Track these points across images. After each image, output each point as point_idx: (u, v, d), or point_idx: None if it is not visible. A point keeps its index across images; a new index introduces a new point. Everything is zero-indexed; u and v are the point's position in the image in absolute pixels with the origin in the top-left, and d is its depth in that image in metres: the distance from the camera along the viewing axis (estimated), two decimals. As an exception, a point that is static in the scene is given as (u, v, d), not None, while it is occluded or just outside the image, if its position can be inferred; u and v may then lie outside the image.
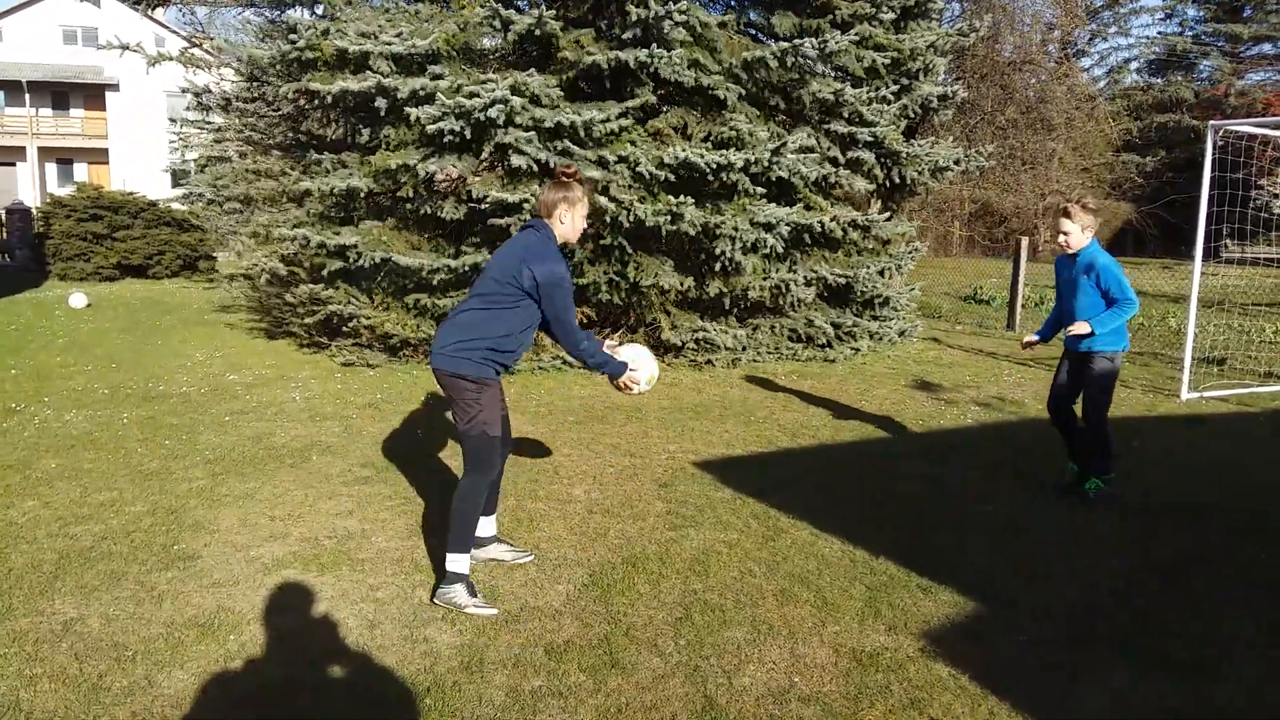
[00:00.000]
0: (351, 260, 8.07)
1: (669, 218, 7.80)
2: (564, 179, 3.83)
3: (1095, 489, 5.24)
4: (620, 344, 4.40)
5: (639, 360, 4.15)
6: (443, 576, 3.79)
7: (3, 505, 4.74)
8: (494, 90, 7.26)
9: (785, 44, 7.98)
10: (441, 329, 3.84)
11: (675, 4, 7.56)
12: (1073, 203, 5.12)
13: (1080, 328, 5.00)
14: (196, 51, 12.24)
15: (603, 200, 7.65)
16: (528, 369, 8.40)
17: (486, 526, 4.17)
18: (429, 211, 8.18)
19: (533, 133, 7.54)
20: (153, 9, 9.28)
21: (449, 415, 6.79)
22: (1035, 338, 5.54)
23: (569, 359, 8.41)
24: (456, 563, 3.75)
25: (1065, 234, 5.11)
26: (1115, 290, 4.98)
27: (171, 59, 10.67)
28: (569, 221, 3.81)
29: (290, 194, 8.97)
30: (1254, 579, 4.15)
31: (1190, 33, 38.00)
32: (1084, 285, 5.09)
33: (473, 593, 3.74)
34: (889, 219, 9.66)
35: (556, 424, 6.69)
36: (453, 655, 3.31)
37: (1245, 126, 8.46)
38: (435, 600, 3.75)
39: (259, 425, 6.49)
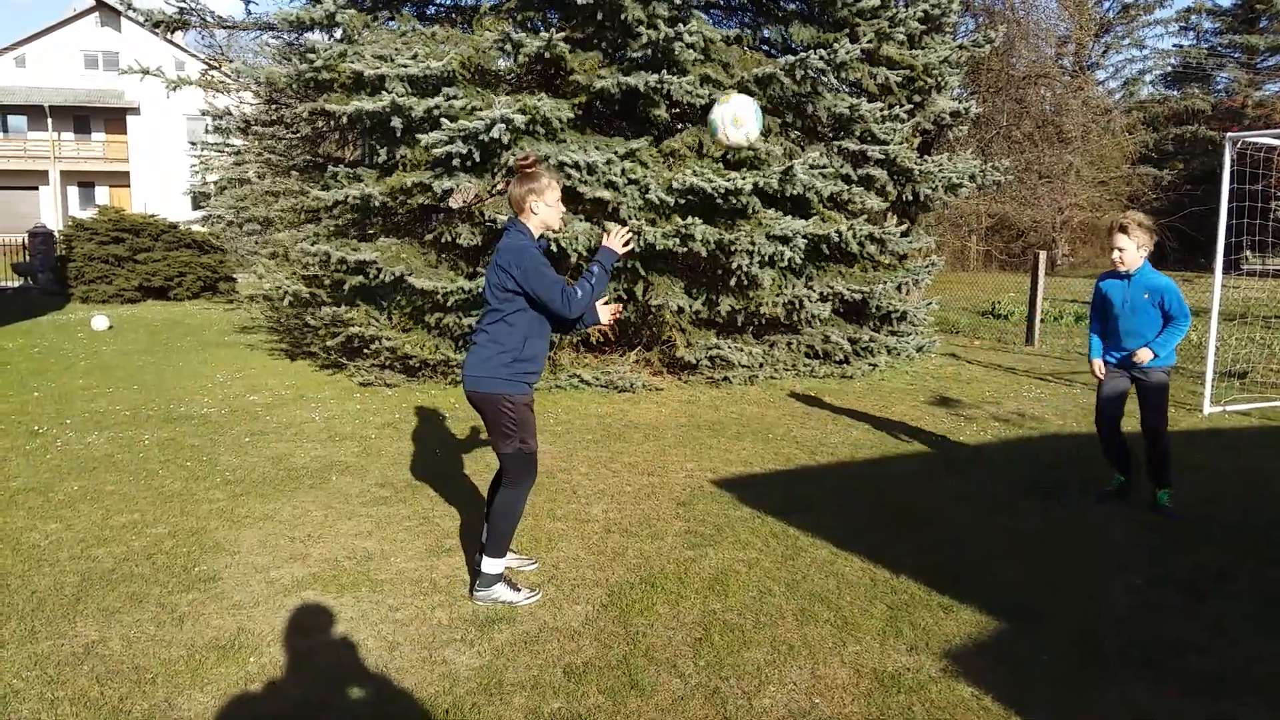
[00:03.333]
0: (371, 277, 8.13)
1: (678, 239, 7.81)
2: (527, 171, 3.90)
3: (1167, 498, 5.23)
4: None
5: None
6: (479, 578, 3.94)
7: (26, 528, 4.77)
8: (495, 110, 7.32)
9: (794, 58, 8.00)
10: (470, 353, 3.95)
11: (685, 25, 7.59)
12: (1130, 220, 5.01)
13: (1145, 355, 4.98)
14: (216, 74, 12.38)
15: (613, 226, 7.67)
16: (545, 387, 8.41)
17: None
18: (449, 239, 8.25)
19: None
20: (172, 33, 9.42)
21: (468, 435, 6.82)
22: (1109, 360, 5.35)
23: (585, 377, 8.44)
24: (493, 565, 3.92)
25: (1120, 250, 5.01)
26: (1176, 309, 4.97)
27: (191, 83, 10.80)
28: (542, 210, 3.90)
29: (306, 210, 9.04)
30: (1276, 595, 4.10)
31: (1206, 44, 37.85)
32: (1143, 305, 5.03)
33: (514, 587, 3.95)
34: (905, 233, 9.64)
35: (574, 443, 6.69)
36: (472, 677, 3.31)
37: (1264, 138, 8.39)
38: (476, 600, 3.91)
39: (279, 446, 6.52)
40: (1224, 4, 37.64)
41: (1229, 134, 8.12)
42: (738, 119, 4.94)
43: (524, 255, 3.77)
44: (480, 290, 7.87)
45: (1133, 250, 4.99)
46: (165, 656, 3.42)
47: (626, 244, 4.09)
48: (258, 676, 3.30)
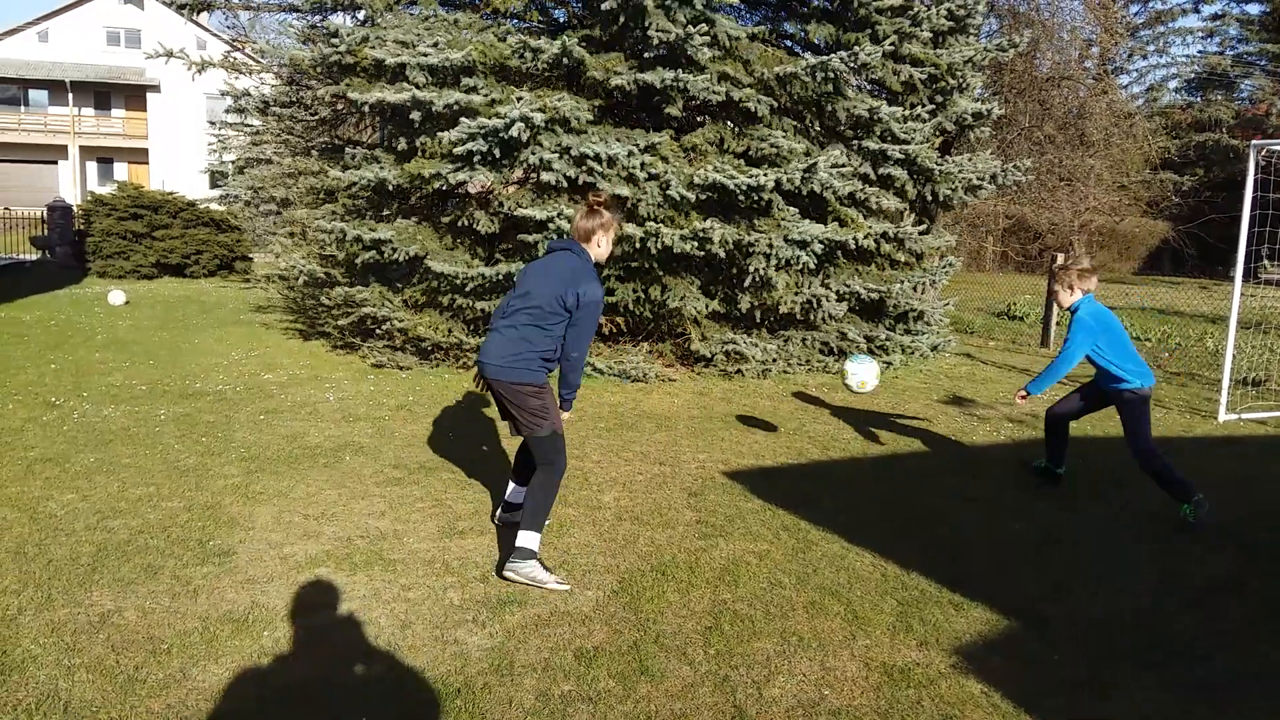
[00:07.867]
0: (386, 255, 8.15)
1: (696, 243, 7.79)
2: (596, 208, 4.19)
3: (1190, 513, 5.05)
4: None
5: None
6: (515, 551, 3.99)
7: (42, 498, 4.82)
8: (515, 109, 7.31)
9: (815, 59, 7.97)
10: (493, 341, 4.18)
11: (696, 26, 7.55)
12: (1058, 270, 5.34)
13: (1018, 400, 5.57)
14: (238, 56, 12.41)
15: (630, 227, 7.65)
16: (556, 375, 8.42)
17: (519, 495, 4.49)
18: (465, 224, 8.26)
19: (561, 153, 7.59)
20: (196, 14, 9.42)
21: (481, 418, 6.84)
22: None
23: (598, 366, 8.45)
24: (530, 539, 3.99)
25: (1054, 292, 5.43)
26: (1066, 343, 5.19)
27: (214, 65, 10.82)
28: (604, 245, 4.25)
29: (324, 190, 9.07)
30: (1293, 605, 4.09)
31: (1231, 51, 37.50)
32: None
33: (547, 569, 4.01)
34: (925, 231, 9.60)
35: (586, 430, 6.71)
36: (483, 657, 3.33)
37: (1289, 146, 8.32)
38: (507, 574, 3.96)
39: (293, 424, 6.55)
40: (1253, 11, 37.31)
41: (1254, 142, 8.06)
42: (863, 384, 6.28)
43: (596, 292, 4.05)
44: (497, 277, 7.92)
45: (1063, 291, 5.34)
46: (180, 628, 3.45)
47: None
48: (271, 650, 3.33)
